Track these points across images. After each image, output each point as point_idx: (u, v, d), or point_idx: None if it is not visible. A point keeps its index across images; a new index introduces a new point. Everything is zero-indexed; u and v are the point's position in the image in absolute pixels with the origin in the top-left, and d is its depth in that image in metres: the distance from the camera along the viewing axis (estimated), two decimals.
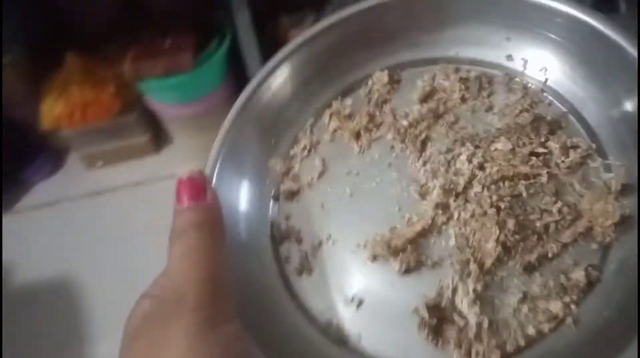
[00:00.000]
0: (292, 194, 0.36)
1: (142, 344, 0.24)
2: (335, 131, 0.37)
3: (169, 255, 0.26)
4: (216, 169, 0.34)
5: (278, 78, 0.37)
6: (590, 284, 0.28)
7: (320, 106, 0.38)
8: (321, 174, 0.36)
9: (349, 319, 0.31)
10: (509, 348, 0.28)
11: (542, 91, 0.34)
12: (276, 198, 0.36)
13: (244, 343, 0.26)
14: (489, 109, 0.35)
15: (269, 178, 0.36)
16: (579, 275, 0.28)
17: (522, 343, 0.28)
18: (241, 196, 0.35)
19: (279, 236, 0.34)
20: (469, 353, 0.28)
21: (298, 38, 0.37)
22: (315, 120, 0.38)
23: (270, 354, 0.28)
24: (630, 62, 0.30)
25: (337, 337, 0.30)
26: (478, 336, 0.28)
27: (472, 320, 0.28)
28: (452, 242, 0.31)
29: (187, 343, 0.23)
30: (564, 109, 0.33)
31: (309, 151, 0.37)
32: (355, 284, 0.32)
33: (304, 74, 0.38)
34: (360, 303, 0.31)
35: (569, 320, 0.27)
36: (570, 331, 0.27)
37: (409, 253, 0.31)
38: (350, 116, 0.37)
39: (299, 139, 0.38)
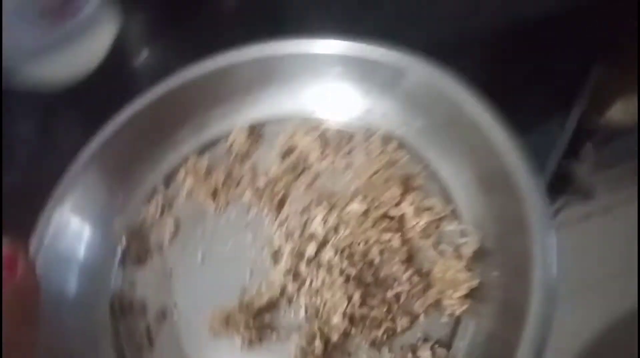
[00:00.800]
0: (139, 259, 0.33)
1: None
2: (189, 189, 0.34)
3: None
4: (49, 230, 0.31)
5: (129, 129, 0.34)
6: None
7: (177, 161, 0.36)
8: (173, 236, 0.33)
9: None
10: None
11: (400, 147, 0.33)
12: (121, 263, 0.33)
13: None
14: (348, 166, 0.33)
15: (115, 240, 0.33)
16: (426, 354, 0.26)
17: None
18: (80, 259, 0.32)
19: (120, 307, 0.31)
20: None
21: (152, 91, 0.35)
22: (171, 176, 0.35)
23: None
24: (482, 133, 0.29)
25: None
26: None
27: None
28: (302, 313, 0.29)
29: None
30: (420, 168, 0.32)
31: (162, 210, 0.34)
32: None
33: (159, 127, 0.35)
34: None
35: None
36: None
37: (252, 327, 0.28)
38: (207, 173, 0.34)
39: (151, 196, 0.35)
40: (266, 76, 0.35)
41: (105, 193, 0.34)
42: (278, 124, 0.36)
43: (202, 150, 0.36)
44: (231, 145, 0.36)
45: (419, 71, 0.31)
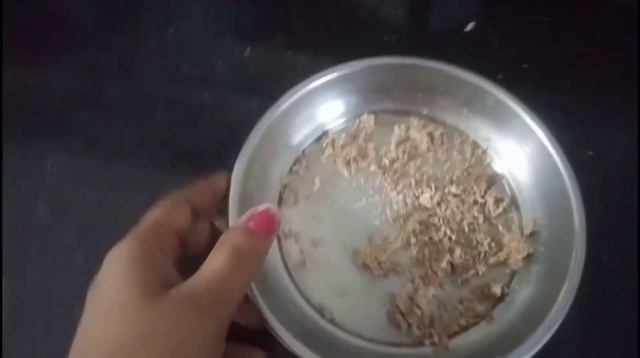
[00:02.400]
0: (293, 202, 0.45)
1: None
2: (329, 157, 0.47)
3: (216, 255, 0.31)
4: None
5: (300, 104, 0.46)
6: (502, 296, 0.42)
7: (319, 135, 0.49)
8: (318, 189, 0.46)
9: (337, 305, 0.42)
10: (449, 332, 0.41)
11: (484, 153, 0.48)
12: (278, 204, 0.45)
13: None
14: (446, 161, 0.47)
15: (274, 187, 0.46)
16: (496, 289, 0.42)
17: (457, 329, 0.41)
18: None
19: (282, 235, 0.44)
20: (425, 334, 0.40)
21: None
22: (315, 146, 0.48)
23: (274, 320, 0.36)
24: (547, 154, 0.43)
25: (329, 317, 0.41)
26: (432, 322, 0.41)
27: (427, 312, 0.41)
28: (413, 257, 0.43)
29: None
30: (498, 171, 0.47)
31: (308, 169, 0.47)
32: (343, 280, 0.43)
33: (311, 108, 0.47)
34: (345, 294, 0.42)
35: (487, 318, 0.41)
36: (487, 326, 0.41)
37: (386, 263, 0.42)
38: (343, 147, 0.47)
39: (300, 159, 0.47)
40: (398, 78, 0.48)
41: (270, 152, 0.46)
42: (398, 117, 0.49)
43: (339, 127, 0.49)
44: (358, 127, 0.49)
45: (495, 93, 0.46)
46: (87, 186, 0.48)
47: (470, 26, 0.57)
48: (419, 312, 0.41)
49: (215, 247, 0.31)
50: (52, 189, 0.48)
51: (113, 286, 0.29)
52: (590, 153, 0.49)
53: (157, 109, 0.53)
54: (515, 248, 0.43)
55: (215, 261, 0.30)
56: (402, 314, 0.41)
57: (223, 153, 0.43)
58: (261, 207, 0.34)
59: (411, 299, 0.41)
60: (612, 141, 0.51)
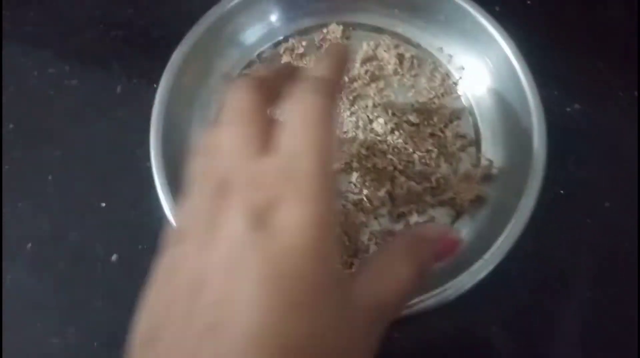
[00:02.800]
0: None
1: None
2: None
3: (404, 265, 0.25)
4: None
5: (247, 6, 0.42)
6: None
7: (278, 40, 0.45)
8: None
9: None
10: None
11: (455, 84, 0.43)
12: None
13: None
14: (412, 87, 0.43)
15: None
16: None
17: None
18: None
19: None
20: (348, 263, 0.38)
21: None
22: (271, 51, 0.45)
23: None
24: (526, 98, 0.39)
25: None
26: (356, 253, 0.38)
27: (354, 241, 0.38)
28: (352, 182, 0.40)
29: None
30: (465, 105, 0.43)
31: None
32: None
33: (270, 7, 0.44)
34: None
35: None
36: None
37: None
38: (301, 56, 0.44)
39: (252, 63, 0.44)
40: None
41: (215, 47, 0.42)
42: (367, 33, 0.45)
43: (301, 34, 0.45)
44: (324, 38, 0.45)
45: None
46: (33, 56, 0.46)
47: None
48: (346, 240, 0.38)
49: (400, 251, 0.26)
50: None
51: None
52: (577, 106, 0.44)
53: None
54: (464, 188, 0.39)
55: (403, 272, 0.25)
56: None
57: (176, 42, 0.40)
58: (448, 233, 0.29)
59: (340, 225, 0.39)
60: (604, 97, 0.45)
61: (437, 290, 0.33)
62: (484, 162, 0.41)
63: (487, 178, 0.40)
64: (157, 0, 0.48)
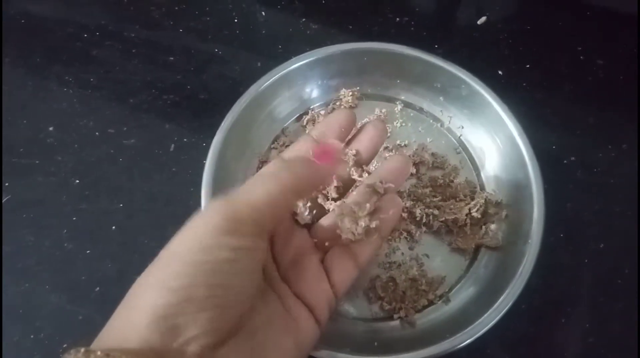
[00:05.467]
0: None
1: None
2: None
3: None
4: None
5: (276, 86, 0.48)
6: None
7: (300, 114, 0.51)
8: None
9: None
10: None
11: (459, 137, 0.50)
12: None
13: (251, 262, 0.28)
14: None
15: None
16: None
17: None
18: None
19: None
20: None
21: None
22: (294, 126, 0.51)
23: None
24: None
25: None
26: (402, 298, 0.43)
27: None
28: None
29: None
30: (466, 157, 0.49)
31: (286, 146, 0.49)
32: None
33: (295, 86, 0.50)
34: None
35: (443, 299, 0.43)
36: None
37: None
38: None
39: (279, 137, 0.50)
40: (377, 64, 0.50)
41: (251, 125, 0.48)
42: (376, 102, 0.52)
43: (320, 106, 0.52)
44: (340, 100, 0.51)
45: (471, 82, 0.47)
46: (94, 117, 0.52)
47: (482, 19, 0.59)
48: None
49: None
50: (62, 114, 0.52)
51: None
52: (572, 158, 0.51)
53: (171, 54, 0.56)
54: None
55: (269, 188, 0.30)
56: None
57: (222, 104, 0.45)
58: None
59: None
60: (598, 151, 0.52)
61: (470, 327, 0.38)
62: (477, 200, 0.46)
63: (493, 206, 0.46)
64: (202, 67, 0.55)
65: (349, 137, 0.39)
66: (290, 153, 0.36)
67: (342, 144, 0.37)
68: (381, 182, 0.36)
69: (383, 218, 0.34)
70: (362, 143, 0.38)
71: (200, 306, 0.25)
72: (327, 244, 0.36)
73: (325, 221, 0.37)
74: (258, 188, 0.29)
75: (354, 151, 0.37)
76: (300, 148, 0.36)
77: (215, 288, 0.26)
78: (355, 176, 0.37)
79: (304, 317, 0.32)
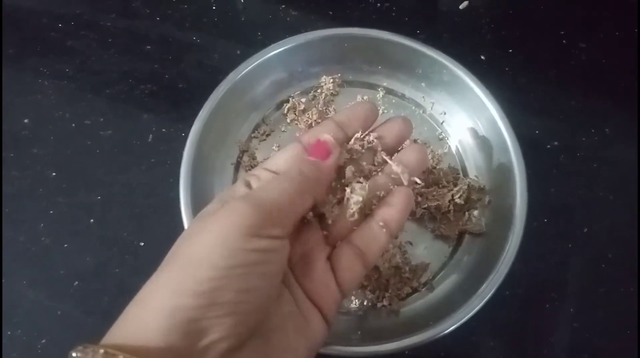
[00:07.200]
0: (251, 168, 0.47)
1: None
2: (291, 122, 0.49)
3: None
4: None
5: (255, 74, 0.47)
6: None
7: (280, 101, 0.50)
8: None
9: None
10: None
11: (441, 123, 0.50)
12: (236, 168, 0.47)
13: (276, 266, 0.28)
14: None
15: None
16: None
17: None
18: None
19: None
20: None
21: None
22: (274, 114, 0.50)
23: None
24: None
25: None
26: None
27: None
28: None
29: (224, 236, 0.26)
30: (449, 144, 0.49)
31: (267, 136, 0.49)
32: None
33: (275, 74, 0.49)
34: None
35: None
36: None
37: None
38: (304, 111, 0.49)
39: (259, 126, 0.49)
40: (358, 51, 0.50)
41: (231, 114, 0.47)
42: (358, 89, 0.52)
43: (300, 95, 0.51)
44: (321, 89, 0.50)
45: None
46: (70, 109, 0.51)
47: (464, 4, 0.58)
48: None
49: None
50: (37, 106, 0.51)
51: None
52: (556, 143, 0.50)
53: (148, 43, 0.55)
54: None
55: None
56: None
57: (201, 93, 0.45)
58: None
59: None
60: (582, 136, 0.51)
61: (454, 314, 0.38)
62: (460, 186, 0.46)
63: (478, 191, 0.46)
64: (180, 55, 0.54)
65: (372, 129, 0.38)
66: (310, 135, 0.34)
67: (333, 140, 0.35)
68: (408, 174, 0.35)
69: (393, 216, 0.33)
70: (389, 131, 0.37)
71: (226, 311, 0.25)
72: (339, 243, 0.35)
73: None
74: (275, 188, 0.29)
75: (376, 135, 0.36)
76: (322, 131, 0.35)
77: (243, 293, 0.25)
78: (379, 160, 0.37)
79: (315, 317, 0.31)
